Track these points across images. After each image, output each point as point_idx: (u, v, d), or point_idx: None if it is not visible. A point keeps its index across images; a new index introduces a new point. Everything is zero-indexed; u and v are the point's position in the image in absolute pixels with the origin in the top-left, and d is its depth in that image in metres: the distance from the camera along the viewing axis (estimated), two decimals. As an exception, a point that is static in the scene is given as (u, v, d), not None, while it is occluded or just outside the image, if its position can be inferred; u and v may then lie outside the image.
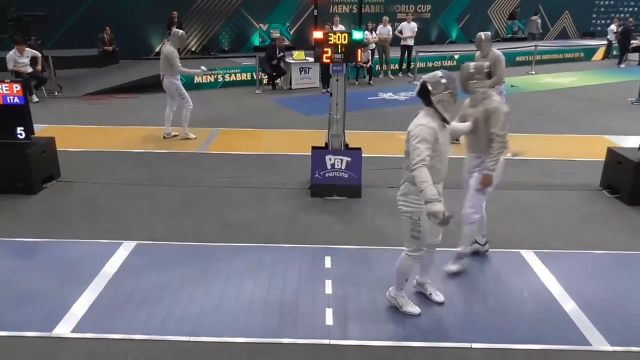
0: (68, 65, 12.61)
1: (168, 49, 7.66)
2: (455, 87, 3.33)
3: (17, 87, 5.55)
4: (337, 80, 5.70)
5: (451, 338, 3.46)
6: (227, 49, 16.18)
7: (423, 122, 3.27)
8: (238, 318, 3.63)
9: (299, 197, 5.81)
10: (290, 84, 12.46)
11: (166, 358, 3.25)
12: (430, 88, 3.26)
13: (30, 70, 10.31)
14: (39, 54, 10.60)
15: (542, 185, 6.23)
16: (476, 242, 4.44)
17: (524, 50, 16.61)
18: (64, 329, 3.47)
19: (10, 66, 10.06)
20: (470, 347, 3.38)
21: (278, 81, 12.55)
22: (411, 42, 13.88)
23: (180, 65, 7.63)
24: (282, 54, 12.10)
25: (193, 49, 15.77)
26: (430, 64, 15.27)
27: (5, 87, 5.54)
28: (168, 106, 7.92)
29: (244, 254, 4.50)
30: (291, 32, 16.80)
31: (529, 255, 4.54)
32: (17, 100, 5.56)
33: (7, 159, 5.62)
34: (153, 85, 10.98)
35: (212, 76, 12.44)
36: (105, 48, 13.46)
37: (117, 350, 3.30)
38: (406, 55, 14.15)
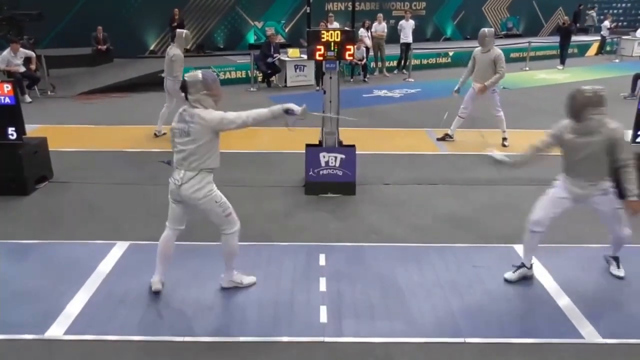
0: (61, 64, 12.52)
1: (172, 51, 7.63)
2: None
3: (7, 87, 5.51)
4: (330, 78, 5.69)
5: (445, 333, 3.47)
6: (222, 47, 16.13)
7: None
8: (233, 316, 3.63)
9: (293, 195, 5.81)
10: (285, 82, 12.44)
11: (161, 358, 3.25)
12: None
13: (22, 69, 10.24)
14: (33, 54, 10.53)
15: (535, 180, 6.24)
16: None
17: (518, 46, 16.64)
18: (57, 330, 3.46)
19: (3, 66, 9.99)
20: (463, 341, 3.39)
21: (273, 78, 12.53)
22: (410, 39, 13.90)
23: (179, 72, 7.55)
24: (277, 55, 12.08)
25: (187, 47, 15.69)
26: (425, 61, 15.31)
27: (-4, 87, 5.49)
28: (165, 105, 7.86)
29: (239, 252, 4.48)
30: (286, 30, 16.77)
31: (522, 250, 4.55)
32: (7, 100, 5.51)
33: (-2, 159, 5.58)
34: (147, 84, 10.97)
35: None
36: (99, 47, 13.37)
37: (111, 352, 3.29)
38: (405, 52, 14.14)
